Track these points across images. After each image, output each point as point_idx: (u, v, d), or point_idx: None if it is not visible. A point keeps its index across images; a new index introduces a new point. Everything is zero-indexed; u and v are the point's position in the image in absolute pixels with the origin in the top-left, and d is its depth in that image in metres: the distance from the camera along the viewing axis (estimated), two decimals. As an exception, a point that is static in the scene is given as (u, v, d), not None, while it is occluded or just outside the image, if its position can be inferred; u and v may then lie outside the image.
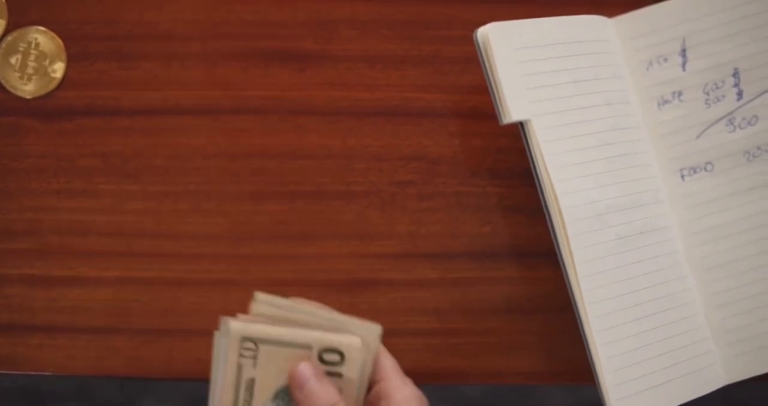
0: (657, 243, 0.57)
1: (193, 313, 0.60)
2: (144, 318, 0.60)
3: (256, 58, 0.61)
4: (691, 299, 0.58)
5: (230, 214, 0.61)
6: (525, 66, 0.55)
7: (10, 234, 0.60)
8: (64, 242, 0.60)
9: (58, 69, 0.60)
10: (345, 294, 0.60)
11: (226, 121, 0.61)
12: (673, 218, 0.58)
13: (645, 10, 0.59)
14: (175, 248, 0.60)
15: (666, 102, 0.59)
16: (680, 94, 0.59)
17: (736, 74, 0.58)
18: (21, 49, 0.60)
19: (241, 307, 0.60)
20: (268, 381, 0.47)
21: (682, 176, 0.59)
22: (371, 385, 0.49)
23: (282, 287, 0.60)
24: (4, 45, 0.60)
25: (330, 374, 0.48)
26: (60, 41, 0.60)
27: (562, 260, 0.55)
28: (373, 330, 0.49)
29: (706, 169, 0.59)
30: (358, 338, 0.48)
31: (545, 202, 0.55)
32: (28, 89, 0.60)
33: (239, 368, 0.46)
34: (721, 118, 0.59)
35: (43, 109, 0.61)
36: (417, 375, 0.50)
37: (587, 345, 0.55)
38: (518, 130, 0.56)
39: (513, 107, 0.54)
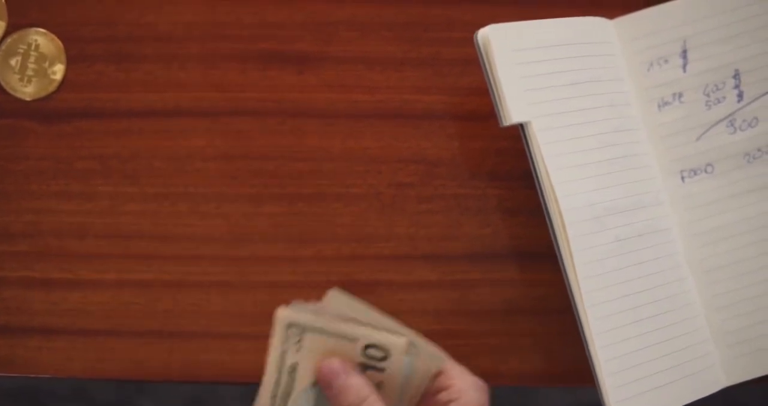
0: (657, 245, 0.57)
1: (192, 315, 0.60)
2: (143, 320, 0.60)
3: (255, 59, 0.61)
4: (691, 300, 0.58)
5: (229, 216, 0.61)
6: (525, 68, 0.55)
7: (9, 236, 0.60)
8: (62, 244, 0.60)
9: (58, 71, 0.60)
10: (344, 296, 0.60)
11: (225, 123, 0.61)
12: (674, 220, 0.58)
13: (645, 12, 0.59)
14: (174, 250, 0.60)
15: (666, 103, 0.59)
16: (681, 95, 0.59)
17: (736, 76, 0.58)
18: (21, 50, 0.60)
19: (240, 308, 0.60)
20: (309, 368, 0.48)
21: (683, 178, 0.59)
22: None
23: (281, 289, 0.60)
24: (3, 47, 0.60)
25: (371, 367, 0.48)
26: (60, 43, 0.60)
27: (562, 262, 0.55)
28: (436, 359, 0.49)
29: (706, 171, 0.59)
30: (405, 339, 0.48)
31: (545, 204, 0.55)
32: (27, 91, 0.60)
33: (283, 353, 0.47)
34: (722, 120, 0.59)
35: (43, 111, 0.61)
36: (417, 377, 0.50)
37: (587, 347, 0.55)
38: (517, 132, 0.56)
39: (513, 109, 0.54)
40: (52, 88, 0.60)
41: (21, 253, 0.60)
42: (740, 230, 0.58)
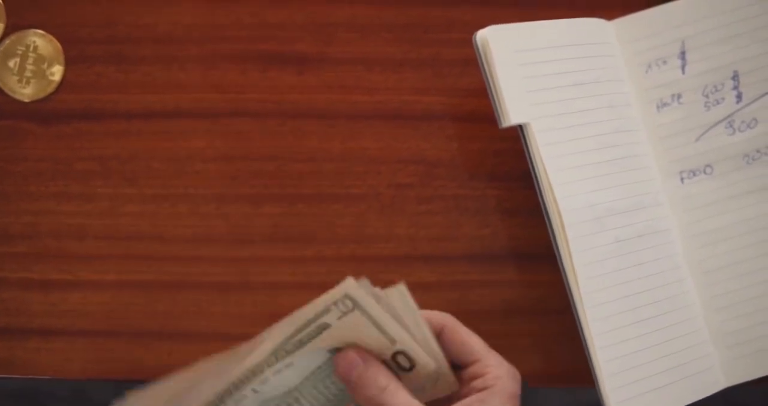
0: (656, 246, 0.57)
1: (192, 316, 0.60)
2: (142, 321, 0.60)
3: (254, 60, 0.61)
4: (690, 301, 0.58)
5: (229, 217, 0.61)
6: (524, 69, 0.55)
7: (8, 237, 0.60)
8: (61, 245, 0.60)
9: (57, 72, 0.60)
10: (344, 297, 0.60)
11: (224, 124, 0.61)
12: (673, 221, 0.58)
13: (644, 13, 0.59)
14: (174, 250, 0.60)
15: (665, 105, 0.59)
16: (679, 96, 0.59)
17: (735, 77, 0.58)
18: (19, 52, 0.60)
19: (240, 309, 0.60)
20: (336, 338, 0.47)
21: (682, 179, 0.59)
22: (464, 366, 0.50)
23: (281, 290, 0.60)
24: (2, 48, 0.60)
25: (390, 369, 0.48)
26: (58, 44, 0.60)
27: (562, 263, 0.55)
28: (450, 386, 0.49)
29: (705, 172, 0.59)
30: (434, 364, 0.48)
31: (545, 205, 0.55)
32: (26, 92, 0.60)
33: (326, 311, 0.45)
34: (721, 121, 0.59)
35: (41, 112, 0.61)
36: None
37: (587, 348, 0.55)
38: (516, 133, 0.56)
39: (512, 110, 0.54)
40: (50, 89, 0.60)
41: (20, 254, 0.60)
42: (739, 231, 0.58)
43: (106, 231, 0.60)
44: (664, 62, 0.59)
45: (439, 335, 0.50)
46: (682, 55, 0.59)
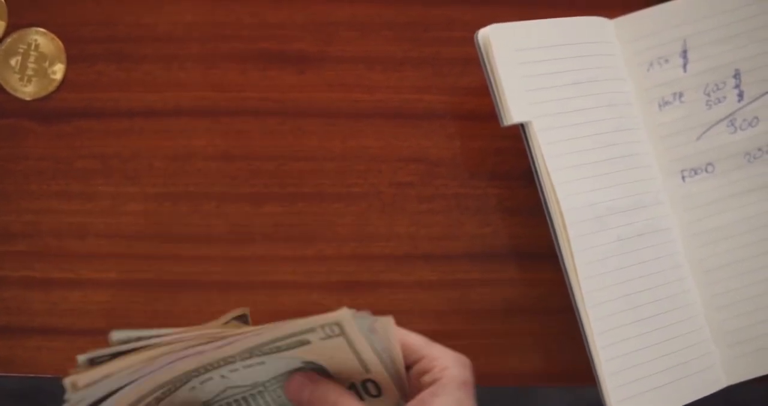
0: (657, 245, 0.57)
1: (192, 315, 0.60)
2: (143, 320, 0.60)
3: (255, 59, 0.61)
4: (691, 300, 0.58)
5: (229, 215, 0.61)
6: (526, 67, 0.55)
7: (9, 236, 0.60)
8: (62, 244, 0.60)
9: (58, 70, 0.60)
10: (345, 296, 0.60)
11: (225, 123, 0.61)
12: (674, 220, 0.58)
13: (645, 12, 0.59)
14: (174, 249, 0.60)
15: (667, 103, 0.59)
16: (681, 95, 0.59)
17: (737, 75, 0.58)
18: (21, 50, 0.60)
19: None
20: (313, 352, 0.47)
21: (683, 178, 0.59)
22: (411, 366, 0.49)
23: (281, 289, 0.60)
24: (3, 46, 0.60)
25: (364, 392, 0.49)
26: (60, 42, 0.60)
27: (563, 262, 0.55)
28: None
29: (706, 171, 0.59)
30: (399, 395, 0.48)
31: (546, 204, 0.55)
32: (27, 91, 0.60)
33: (311, 330, 0.45)
34: (722, 120, 0.59)
35: (43, 110, 0.61)
36: (418, 377, 0.50)
37: (588, 347, 0.55)
38: (517, 132, 0.56)
39: (514, 109, 0.54)
40: (52, 87, 0.60)
41: (21, 253, 0.60)
42: (740, 230, 0.58)
43: (106, 230, 0.60)
44: (666, 61, 0.59)
45: None
46: (684, 53, 0.59)
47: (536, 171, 0.55)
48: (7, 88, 0.60)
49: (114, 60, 0.61)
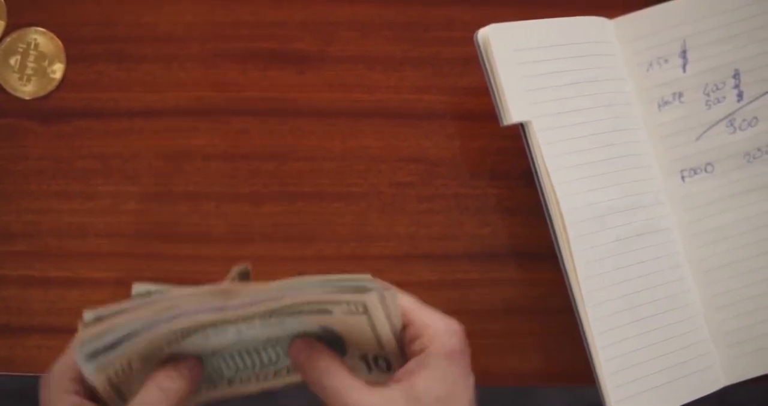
0: (657, 245, 0.57)
1: (192, 315, 0.60)
2: (143, 320, 0.60)
3: (255, 59, 0.61)
4: (691, 300, 0.58)
5: (229, 215, 0.61)
6: (526, 67, 0.55)
7: (9, 236, 0.60)
8: (62, 243, 0.60)
9: (58, 70, 0.60)
10: (344, 296, 0.60)
11: (225, 123, 0.61)
12: (673, 220, 0.58)
13: (645, 12, 0.59)
14: (174, 249, 0.60)
15: (666, 103, 0.59)
16: (681, 95, 0.59)
17: (736, 76, 0.58)
18: (20, 50, 0.60)
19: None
20: (333, 321, 0.47)
21: (683, 177, 0.59)
22: (403, 329, 0.48)
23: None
24: (3, 46, 0.60)
25: (375, 366, 0.49)
26: (59, 42, 0.60)
27: (563, 262, 0.55)
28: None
29: (706, 171, 0.59)
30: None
31: (546, 204, 0.55)
32: (27, 90, 0.60)
33: (337, 302, 0.45)
34: (722, 120, 0.59)
35: (42, 110, 0.61)
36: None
37: (588, 347, 0.55)
38: (517, 132, 0.56)
39: (514, 109, 0.54)
40: (51, 87, 0.60)
41: (21, 252, 0.60)
42: (740, 230, 0.58)
43: (106, 229, 0.60)
44: (666, 61, 0.59)
45: None
46: (684, 53, 0.59)
47: (536, 171, 0.55)
48: (7, 88, 0.60)
49: (114, 60, 0.61)
